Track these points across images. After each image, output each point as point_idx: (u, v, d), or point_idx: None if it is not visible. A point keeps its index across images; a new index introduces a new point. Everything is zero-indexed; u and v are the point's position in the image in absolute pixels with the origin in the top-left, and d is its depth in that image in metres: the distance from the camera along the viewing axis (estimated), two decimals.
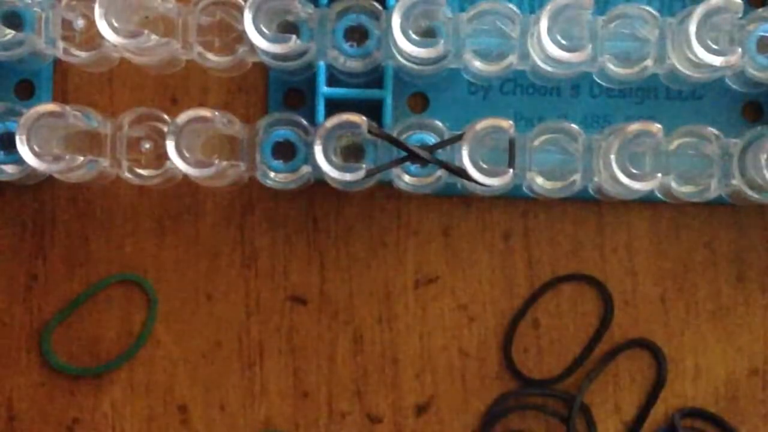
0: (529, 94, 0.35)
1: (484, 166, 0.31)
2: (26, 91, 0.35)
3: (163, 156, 0.31)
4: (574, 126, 0.32)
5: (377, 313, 0.35)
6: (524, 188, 0.33)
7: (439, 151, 0.32)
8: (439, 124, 0.32)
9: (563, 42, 0.31)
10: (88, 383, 0.35)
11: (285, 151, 0.32)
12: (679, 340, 0.35)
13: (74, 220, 0.36)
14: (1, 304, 0.36)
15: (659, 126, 0.31)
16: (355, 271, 0.36)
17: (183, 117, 0.31)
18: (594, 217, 0.35)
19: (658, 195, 0.33)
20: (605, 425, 0.35)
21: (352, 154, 0.32)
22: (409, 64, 0.32)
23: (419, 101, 0.35)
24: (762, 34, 0.31)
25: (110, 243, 0.35)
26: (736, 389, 0.35)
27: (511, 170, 0.31)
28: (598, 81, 0.34)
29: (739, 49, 0.30)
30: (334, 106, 0.33)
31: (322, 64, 0.33)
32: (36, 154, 0.31)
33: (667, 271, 0.35)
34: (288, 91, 0.35)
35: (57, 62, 0.35)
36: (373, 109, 0.34)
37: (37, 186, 0.35)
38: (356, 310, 0.35)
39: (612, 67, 0.32)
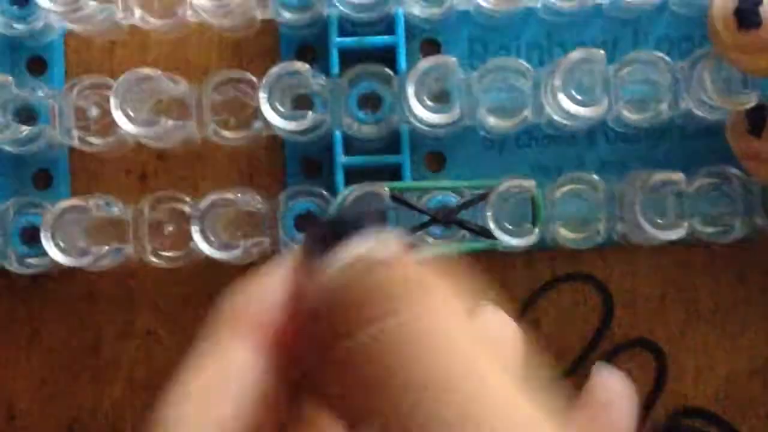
0: (545, 144, 0.35)
1: (509, 226, 0.31)
2: (44, 181, 0.35)
3: (186, 237, 0.31)
4: (594, 176, 0.32)
5: None
6: (548, 240, 0.33)
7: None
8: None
9: (578, 97, 0.31)
10: (88, 383, 0.35)
11: (306, 223, 0.32)
12: (679, 340, 0.35)
13: None
14: (1, 305, 0.35)
15: (681, 175, 0.31)
16: None
17: (206, 201, 0.31)
18: None
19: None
20: None
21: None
22: (425, 128, 0.32)
23: (436, 160, 0.35)
24: None
25: None
26: (736, 389, 0.35)
27: (536, 229, 0.31)
28: (613, 127, 0.34)
29: (755, 92, 0.30)
30: (352, 173, 0.34)
31: (338, 134, 0.33)
32: (62, 250, 0.31)
33: (667, 271, 0.35)
34: (305, 160, 0.35)
35: (72, 148, 0.35)
36: (391, 172, 0.34)
37: None
38: None
39: (627, 114, 0.32)
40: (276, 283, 0.24)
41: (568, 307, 0.35)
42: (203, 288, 0.35)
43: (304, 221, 0.32)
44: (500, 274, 0.35)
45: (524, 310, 0.35)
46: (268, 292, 0.24)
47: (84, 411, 0.35)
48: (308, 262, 0.22)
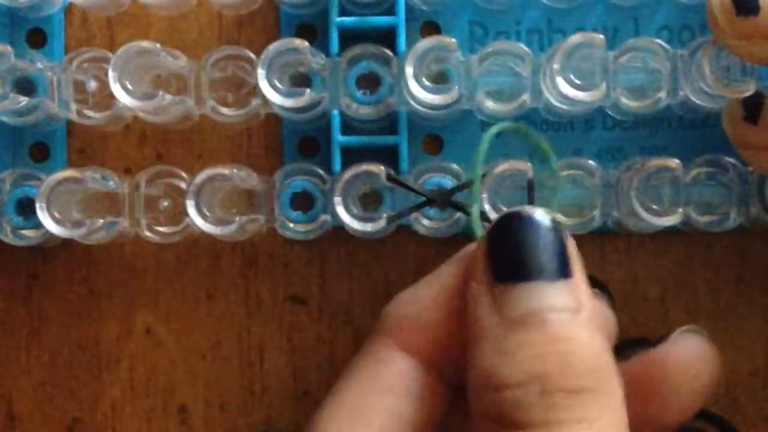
0: (543, 130, 0.35)
1: (504, 208, 0.31)
2: (41, 153, 0.35)
3: (182, 212, 0.31)
4: (591, 162, 0.32)
5: (377, 313, 0.35)
6: None
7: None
8: (456, 166, 0.32)
9: (577, 81, 0.31)
10: (88, 383, 0.35)
11: (302, 201, 0.32)
12: None
13: None
14: (1, 304, 0.36)
15: (678, 161, 0.31)
16: (355, 271, 0.35)
17: (201, 176, 0.31)
18: None
19: (678, 226, 0.33)
20: None
21: (370, 200, 0.32)
22: (422, 109, 0.32)
23: (434, 143, 0.35)
24: None
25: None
26: (736, 389, 0.35)
27: None
28: (612, 114, 0.34)
29: (754, 80, 0.30)
30: (349, 153, 0.34)
31: (336, 113, 0.33)
32: (56, 221, 0.31)
33: (667, 271, 0.35)
34: (302, 139, 0.35)
35: (70, 122, 0.35)
36: (388, 154, 0.34)
37: None
38: (356, 310, 0.35)
39: (625, 101, 0.32)
40: (432, 283, 0.23)
41: None
42: (204, 287, 0.36)
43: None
44: None
45: None
46: (423, 292, 0.23)
47: (84, 411, 0.35)
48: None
